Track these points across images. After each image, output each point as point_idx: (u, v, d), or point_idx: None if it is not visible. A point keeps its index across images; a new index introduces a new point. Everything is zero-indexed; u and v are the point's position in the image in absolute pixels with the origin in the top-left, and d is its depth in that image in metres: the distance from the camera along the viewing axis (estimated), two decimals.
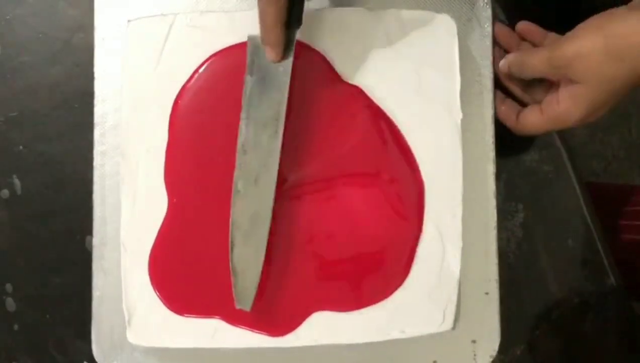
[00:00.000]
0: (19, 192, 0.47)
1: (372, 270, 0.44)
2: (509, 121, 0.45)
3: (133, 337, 0.43)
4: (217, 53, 0.44)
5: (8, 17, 0.48)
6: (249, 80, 0.41)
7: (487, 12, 0.46)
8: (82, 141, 0.45)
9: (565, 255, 0.49)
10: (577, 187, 0.49)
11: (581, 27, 0.40)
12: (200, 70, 0.44)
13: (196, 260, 0.44)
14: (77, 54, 0.48)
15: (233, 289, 0.41)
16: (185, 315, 0.43)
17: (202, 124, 0.44)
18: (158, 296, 0.43)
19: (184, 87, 0.44)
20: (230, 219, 0.41)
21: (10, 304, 0.47)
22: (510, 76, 0.45)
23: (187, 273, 0.44)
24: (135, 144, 0.44)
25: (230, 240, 0.41)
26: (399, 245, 0.44)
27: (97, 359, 0.44)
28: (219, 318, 0.43)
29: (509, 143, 0.47)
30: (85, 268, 0.44)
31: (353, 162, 0.44)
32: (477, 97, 0.46)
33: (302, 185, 0.44)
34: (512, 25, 0.47)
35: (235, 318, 0.43)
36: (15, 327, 0.47)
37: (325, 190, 0.44)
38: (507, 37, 0.46)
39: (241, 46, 0.43)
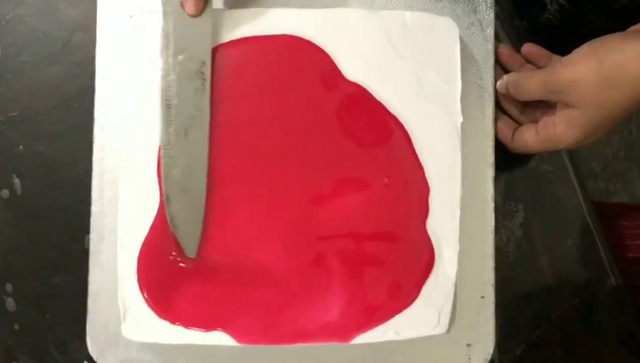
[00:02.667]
0: (19, 192, 0.47)
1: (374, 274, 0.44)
2: (505, 138, 0.45)
3: (128, 331, 0.43)
4: (214, 48, 0.44)
5: (8, 17, 0.48)
6: (166, 39, 0.41)
7: (489, 16, 0.46)
8: (82, 141, 0.45)
9: (565, 255, 0.49)
10: (577, 187, 0.49)
11: (577, 52, 0.40)
12: None
13: (188, 265, 0.43)
14: (77, 54, 0.48)
15: (178, 241, 0.42)
16: (179, 324, 0.43)
17: None
18: (145, 299, 0.43)
19: None
20: (162, 174, 0.41)
21: (10, 304, 0.47)
22: (508, 96, 0.45)
23: (178, 279, 0.43)
24: (133, 139, 0.44)
25: (164, 195, 0.41)
26: (402, 248, 0.44)
27: (91, 353, 0.44)
28: (222, 331, 0.43)
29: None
30: (86, 268, 0.44)
31: (355, 161, 0.44)
32: (478, 101, 0.46)
33: (301, 186, 0.44)
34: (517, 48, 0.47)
35: (241, 334, 0.43)
36: (15, 327, 0.47)
37: (325, 191, 0.44)
38: (510, 58, 0.47)
39: (239, 42, 0.44)
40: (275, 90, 0.44)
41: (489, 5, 0.46)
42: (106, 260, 0.44)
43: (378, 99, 0.44)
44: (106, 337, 0.44)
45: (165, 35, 0.41)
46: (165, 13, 0.41)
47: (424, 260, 0.44)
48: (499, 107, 0.46)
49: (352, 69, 0.44)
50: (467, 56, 0.46)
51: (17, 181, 0.47)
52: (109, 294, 0.43)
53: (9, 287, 0.47)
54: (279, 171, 0.44)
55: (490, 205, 0.45)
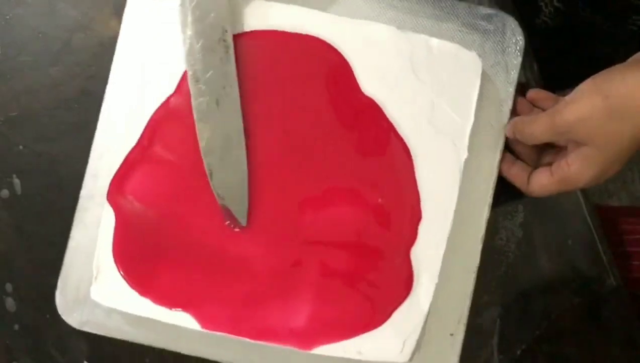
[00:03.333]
0: (19, 192, 0.47)
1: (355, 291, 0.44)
2: (521, 183, 0.44)
3: (96, 294, 0.43)
4: (237, 35, 0.44)
5: (8, 17, 0.48)
6: (184, 10, 0.41)
7: (517, 60, 0.45)
8: (82, 141, 0.45)
9: (565, 255, 0.49)
10: None
11: (580, 89, 0.40)
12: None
13: (163, 238, 0.44)
14: (77, 54, 0.48)
15: (223, 212, 0.43)
16: (148, 298, 0.43)
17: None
18: (117, 266, 0.43)
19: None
20: (201, 149, 0.42)
21: (10, 304, 0.47)
22: (519, 141, 0.45)
23: (155, 254, 0.44)
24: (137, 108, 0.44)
25: (206, 168, 0.42)
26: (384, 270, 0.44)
27: (58, 308, 0.44)
28: (188, 314, 0.43)
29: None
30: None
31: (353, 174, 0.44)
32: (488, 141, 0.45)
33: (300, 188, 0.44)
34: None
35: (206, 320, 0.43)
36: (15, 327, 0.47)
37: (316, 197, 0.44)
38: (519, 105, 0.46)
39: (264, 33, 0.44)
40: (285, 86, 0.44)
41: (518, 49, 0.45)
42: (91, 221, 0.44)
43: (389, 118, 0.44)
44: (76, 294, 0.44)
45: (183, 9, 0.41)
46: None
47: (401, 286, 0.44)
48: (512, 152, 0.46)
49: (370, 84, 0.44)
50: (486, 94, 0.45)
51: (17, 181, 0.47)
52: (87, 254, 0.44)
53: (9, 287, 0.47)
54: (273, 168, 0.44)
55: (478, 246, 0.45)
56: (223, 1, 0.42)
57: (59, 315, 0.45)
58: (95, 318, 0.44)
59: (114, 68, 0.45)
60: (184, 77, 0.44)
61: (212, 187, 0.42)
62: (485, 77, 0.45)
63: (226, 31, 0.42)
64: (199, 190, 0.43)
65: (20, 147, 0.48)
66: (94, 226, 0.44)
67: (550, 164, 0.43)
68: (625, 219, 0.61)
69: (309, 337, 0.43)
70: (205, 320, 0.43)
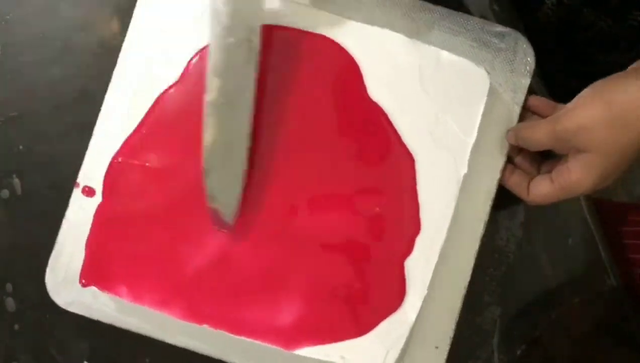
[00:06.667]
0: (19, 192, 0.47)
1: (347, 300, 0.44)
2: (521, 191, 0.44)
3: (85, 278, 0.44)
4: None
5: (8, 17, 0.48)
6: (216, 3, 0.40)
7: (525, 81, 0.45)
8: (82, 141, 0.45)
9: (565, 255, 0.49)
10: None
11: (582, 96, 0.40)
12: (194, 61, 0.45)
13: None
14: (77, 54, 0.48)
15: (211, 213, 0.42)
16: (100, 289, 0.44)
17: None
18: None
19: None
20: (204, 145, 0.41)
21: (10, 304, 0.47)
22: (520, 149, 0.45)
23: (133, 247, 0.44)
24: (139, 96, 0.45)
25: (204, 165, 0.41)
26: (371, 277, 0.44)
27: (47, 287, 0.45)
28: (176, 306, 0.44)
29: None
30: None
31: (353, 180, 0.44)
32: (489, 158, 0.45)
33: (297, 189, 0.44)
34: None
35: (192, 311, 0.44)
36: (15, 327, 0.47)
37: (313, 199, 0.44)
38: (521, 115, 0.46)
39: (277, 28, 0.44)
40: (292, 83, 0.44)
41: (528, 70, 0.45)
42: (86, 202, 0.44)
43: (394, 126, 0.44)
44: (65, 274, 0.45)
45: (215, 2, 0.40)
46: None
47: (392, 297, 0.44)
48: (511, 162, 0.46)
49: (376, 90, 0.44)
50: (491, 112, 0.45)
51: (17, 181, 0.47)
52: (79, 235, 0.44)
53: (9, 287, 0.47)
54: (272, 165, 0.44)
55: (471, 261, 0.45)
56: (255, 2, 0.41)
57: (59, 315, 0.45)
58: (82, 298, 0.44)
59: (117, 69, 0.45)
60: (187, 69, 0.44)
61: (204, 185, 0.42)
62: (492, 94, 0.44)
63: (254, 31, 0.41)
64: (189, 188, 0.44)
65: (20, 147, 0.48)
66: (89, 209, 0.44)
67: (549, 172, 0.43)
68: (625, 218, 0.61)
69: (293, 337, 0.44)
70: (189, 311, 0.44)
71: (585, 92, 0.40)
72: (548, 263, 0.49)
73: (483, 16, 0.47)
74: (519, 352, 0.48)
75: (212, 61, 0.40)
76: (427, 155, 0.44)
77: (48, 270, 0.45)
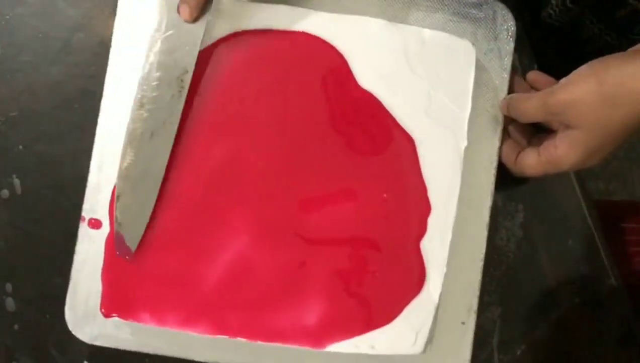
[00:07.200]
0: (19, 192, 0.47)
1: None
2: (509, 161, 0.45)
3: (106, 309, 0.43)
4: (223, 38, 0.44)
5: (8, 17, 0.48)
6: (156, 36, 0.41)
7: (509, 46, 0.46)
8: (82, 141, 0.45)
9: (565, 255, 0.49)
10: (577, 187, 0.49)
11: (576, 73, 0.40)
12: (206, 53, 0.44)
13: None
14: (77, 54, 0.48)
15: (114, 238, 0.43)
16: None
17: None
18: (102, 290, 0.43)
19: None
20: (118, 170, 0.42)
21: (10, 304, 0.47)
22: (513, 120, 0.45)
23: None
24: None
25: (116, 190, 0.42)
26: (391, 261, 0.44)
27: (68, 324, 0.44)
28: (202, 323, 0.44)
29: None
30: None
31: (356, 171, 0.44)
32: (486, 128, 0.46)
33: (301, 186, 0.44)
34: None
35: (218, 326, 0.44)
36: (15, 327, 0.47)
37: (318, 196, 0.44)
38: (515, 84, 0.46)
39: (252, 33, 0.44)
40: (282, 85, 0.44)
41: (510, 35, 0.46)
42: (95, 234, 0.44)
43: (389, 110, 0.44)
44: (85, 309, 0.44)
45: (155, 35, 0.41)
46: (160, 12, 0.41)
47: (413, 279, 0.44)
48: (504, 131, 0.46)
49: (366, 77, 0.44)
50: (481, 82, 0.45)
51: (17, 181, 0.47)
52: (94, 267, 0.44)
53: (9, 287, 0.47)
54: (273, 170, 0.44)
55: (484, 233, 0.45)
56: (196, 42, 0.42)
57: (59, 315, 0.45)
58: (106, 331, 0.44)
59: (108, 80, 0.45)
60: None
61: (114, 209, 0.42)
62: (479, 65, 0.45)
63: (187, 72, 0.42)
64: (197, 204, 0.44)
65: (20, 147, 0.48)
66: (98, 239, 0.44)
67: (538, 146, 0.43)
68: (626, 218, 0.61)
69: (321, 335, 0.43)
70: (216, 326, 0.43)
71: (581, 69, 0.40)
72: (548, 263, 0.49)
73: None
74: (519, 352, 0.48)
75: (140, 91, 0.42)
76: (426, 134, 0.44)
77: (67, 309, 0.44)
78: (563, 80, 0.41)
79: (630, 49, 0.41)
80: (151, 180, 0.42)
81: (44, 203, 0.47)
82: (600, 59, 0.40)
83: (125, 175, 0.42)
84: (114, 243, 0.43)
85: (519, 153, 0.45)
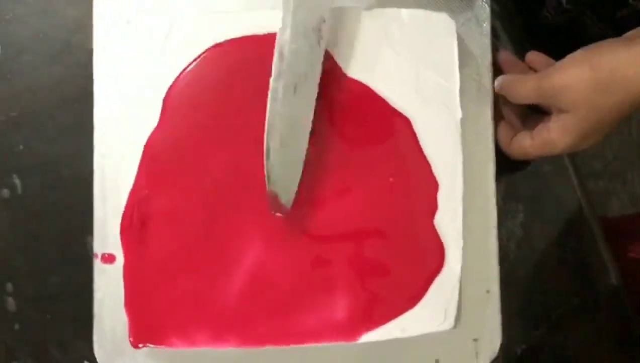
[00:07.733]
0: (19, 192, 0.47)
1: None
2: (503, 144, 0.46)
3: (135, 340, 0.43)
4: (209, 49, 0.44)
5: (8, 17, 0.48)
6: None
7: (485, 11, 0.46)
8: (82, 141, 0.45)
9: (565, 255, 0.49)
10: (577, 187, 0.49)
11: (570, 57, 0.41)
12: (190, 67, 0.44)
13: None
14: (77, 54, 0.48)
15: (268, 196, 0.41)
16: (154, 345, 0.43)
17: (190, 120, 0.44)
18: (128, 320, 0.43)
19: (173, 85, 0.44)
20: (266, 125, 0.41)
21: (11, 304, 0.47)
22: (508, 103, 0.45)
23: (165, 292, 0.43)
24: (125, 144, 0.44)
25: (265, 146, 0.41)
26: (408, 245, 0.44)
27: (99, 361, 0.44)
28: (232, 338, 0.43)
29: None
30: (86, 268, 0.44)
31: (359, 160, 0.44)
32: (476, 96, 0.46)
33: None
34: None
35: (248, 338, 0.43)
36: (16, 326, 0.47)
37: (326, 191, 0.44)
38: (512, 66, 0.47)
39: (232, 42, 0.44)
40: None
41: (484, 0, 0.46)
42: (110, 267, 0.44)
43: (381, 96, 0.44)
44: (113, 344, 0.44)
45: None
46: None
47: (434, 257, 0.44)
48: (499, 114, 0.46)
49: (352, 68, 0.44)
50: (464, 52, 0.46)
51: (17, 181, 0.47)
52: (114, 301, 0.43)
53: (9, 287, 0.47)
54: None
55: (492, 200, 0.45)
56: None
57: (59, 315, 0.45)
58: (137, 362, 0.44)
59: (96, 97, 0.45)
60: (165, 108, 0.44)
61: (265, 168, 0.41)
62: (459, 36, 0.45)
63: (324, 21, 0.41)
64: (205, 221, 0.43)
65: (20, 147, 0.48)
66: (114, 272, 0.43)
67: (532, 129, 0.44)
68: (626, 217, 0.61)
69: (352, 328, 0.43)
70: (245, 337, 0.43)
71: (576, 53, 0.41)
72: (548, 263, 0.49)
73: None
74: (519, 352, 0.48)
75: (279, 44, 0.41)
76: (420, 112, 0.44)
77: (96, 347, 0.43)
78: (558, 63, 0.41)
79: (624, 35, 0.41)
80: (299, 135, 0.41)
81: (44, 203, 0.47)
82: (595, 44, 0.40)
83: (271, 131, 0.41)
84: (269, 204, 0.42)
85: (513, 136, 0.45)
